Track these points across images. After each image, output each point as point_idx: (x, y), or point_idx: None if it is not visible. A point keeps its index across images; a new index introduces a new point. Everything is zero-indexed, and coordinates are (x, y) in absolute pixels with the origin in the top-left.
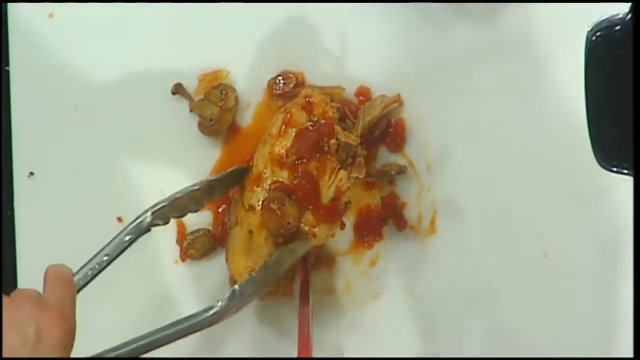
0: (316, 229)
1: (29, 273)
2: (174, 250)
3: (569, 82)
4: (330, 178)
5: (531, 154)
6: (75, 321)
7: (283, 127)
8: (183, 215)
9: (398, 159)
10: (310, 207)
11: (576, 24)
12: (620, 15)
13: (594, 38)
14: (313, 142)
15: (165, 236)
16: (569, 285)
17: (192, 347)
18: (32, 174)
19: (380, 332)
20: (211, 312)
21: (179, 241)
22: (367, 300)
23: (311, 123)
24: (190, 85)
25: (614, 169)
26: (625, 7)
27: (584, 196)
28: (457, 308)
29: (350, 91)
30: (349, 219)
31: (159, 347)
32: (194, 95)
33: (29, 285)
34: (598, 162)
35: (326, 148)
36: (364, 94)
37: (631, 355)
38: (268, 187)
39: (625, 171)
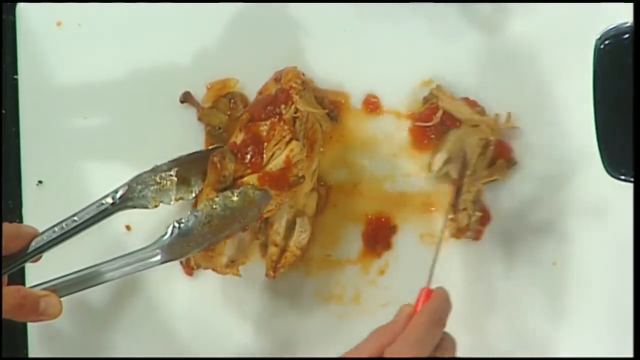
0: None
1: (37, 280)
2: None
3: (578, 90)
4: (277, 144)
5: (539, 162)
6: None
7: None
8: (169, 199)
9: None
10: (252, 168)
11: (585, 32)
12: (629, 24)
13: (602, 46)
14: (264, 104)
15: None
16: (577, 293)
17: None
18: (40, 182)
19: None
20: (155, 245)
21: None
22: (376, 309)
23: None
24: (199, 93)
25: (622, 177)
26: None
27: (592, 205)
28: (467, 316)
29: (358, 98)
30: (358, 228)
31: (105, 281)
32: (203, 103)
33: None
34: (606, 170)
35: (278, 112)
36: (372, 102)
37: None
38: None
39: (633, 179)
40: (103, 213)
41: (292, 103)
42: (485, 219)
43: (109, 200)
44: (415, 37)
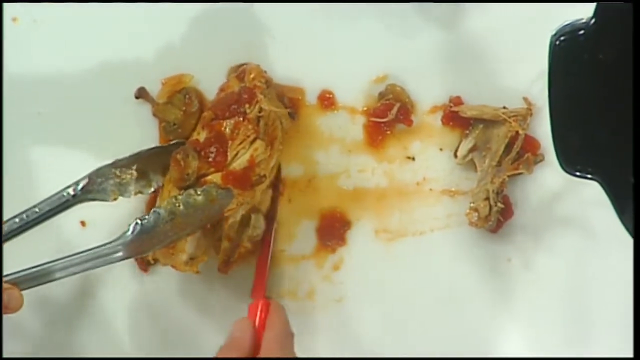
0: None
1: None
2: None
3: (533, 87)
4: (242, 143)
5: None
6: None
7: (219, 93)
8: (128, 193)
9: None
10: (216, 166)
11: (540, 28)
12: (584, 20)
13: (557, 42)
14: (228, 102)
15: None
16: (532, 289)
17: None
18: None
19: (343, 337)
20: (117, 242)
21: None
22: (330, 304)
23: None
24: (154, 89)
25: (578, 174)
26: (589, 11)
27: (547, 200)
28: (421, 312)
29: (313, 94)
30: (312, 223)
31: (65, 275)
32: (158, 99)
33: None
34: (561, 166)
35: (242, 111)
36: (326, 98)
37: (627, 355)
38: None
39: (589, 176)
40: (64, 204)
41: (257, 102)
42: (507, 212)
43: (70, 191)
44: (370, 34)
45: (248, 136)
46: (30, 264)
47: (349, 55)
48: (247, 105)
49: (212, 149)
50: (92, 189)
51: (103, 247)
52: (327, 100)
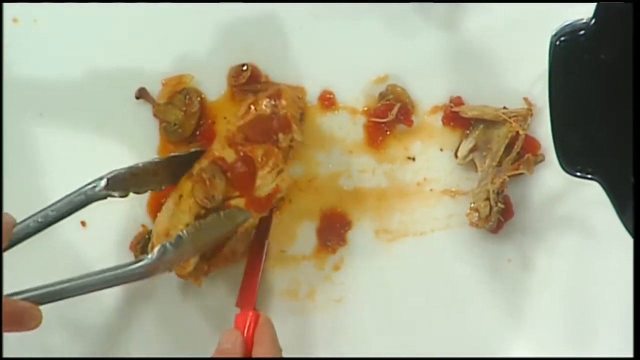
0: None
1: None
2: None
3: (534, 87)
4: (270, 172)
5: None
6: None
7: (248, 110)
8: (140, 190)
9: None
10: (242, 191)
11: (540, 28)
12: (585, 20)
13: (558, 43)
14: (263, 128)
15: None
16: (533, 289)
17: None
18: None
19: (343, 337)
20: (140, 264)
21: (132, 246)
22: (330, 304)
23: (274, 114)
24: (154, 89)
25: (578, 174)
26: (590, 12)
27: (548, 201)
28: (422, 312)
29: (314, 95)
30: (313, 223)
31: (82, 293)
32: (158, 99)
33: None
34: (561, 166)
35: (275, 139)
36: (327, 98)
37: (624, 355)
38: (210, 160)
39: (589, 176)
40: (79, 204)
41: (290, 132)
42: (507, 212)
43: (88, 192)
44: (371, 34)
45: (277, 165)
46: (31, 264)
47: (349, 56)
48: (281, 135)
49: (241, 170)
50: (107, 190)
51: (126, 269)
52: (327, 101)
